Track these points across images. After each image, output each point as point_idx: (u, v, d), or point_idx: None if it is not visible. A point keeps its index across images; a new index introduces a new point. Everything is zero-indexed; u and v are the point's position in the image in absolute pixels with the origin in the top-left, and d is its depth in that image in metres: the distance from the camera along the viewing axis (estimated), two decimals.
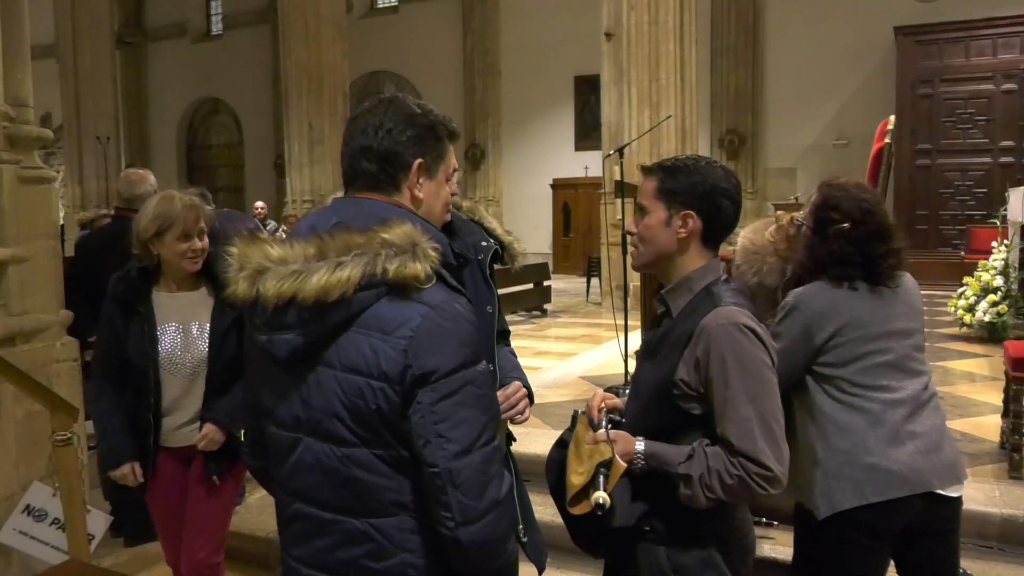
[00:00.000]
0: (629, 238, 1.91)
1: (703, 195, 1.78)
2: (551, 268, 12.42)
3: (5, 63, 3.61)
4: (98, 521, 3.01)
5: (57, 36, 14.62)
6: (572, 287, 13.41)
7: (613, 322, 5.37)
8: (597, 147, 13.06)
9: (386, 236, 1.35)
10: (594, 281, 12.01)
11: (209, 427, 2.66)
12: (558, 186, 17.56)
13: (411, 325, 1.34)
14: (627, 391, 1.98)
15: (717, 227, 1.81)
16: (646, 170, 1.90)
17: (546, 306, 10.59)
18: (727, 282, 1.83)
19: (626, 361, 4.91)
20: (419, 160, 1.49)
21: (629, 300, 5.29)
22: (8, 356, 3.14)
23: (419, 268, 1.35)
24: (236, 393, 2.60)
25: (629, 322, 5.07)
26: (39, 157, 3.85)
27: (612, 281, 10.25)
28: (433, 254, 1.37)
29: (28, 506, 2.92)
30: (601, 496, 1.65)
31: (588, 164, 16.20)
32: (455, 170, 1.61)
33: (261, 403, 1.56)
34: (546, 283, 10.67)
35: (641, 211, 1.85)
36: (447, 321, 1.36)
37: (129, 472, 2.64)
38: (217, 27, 21.12)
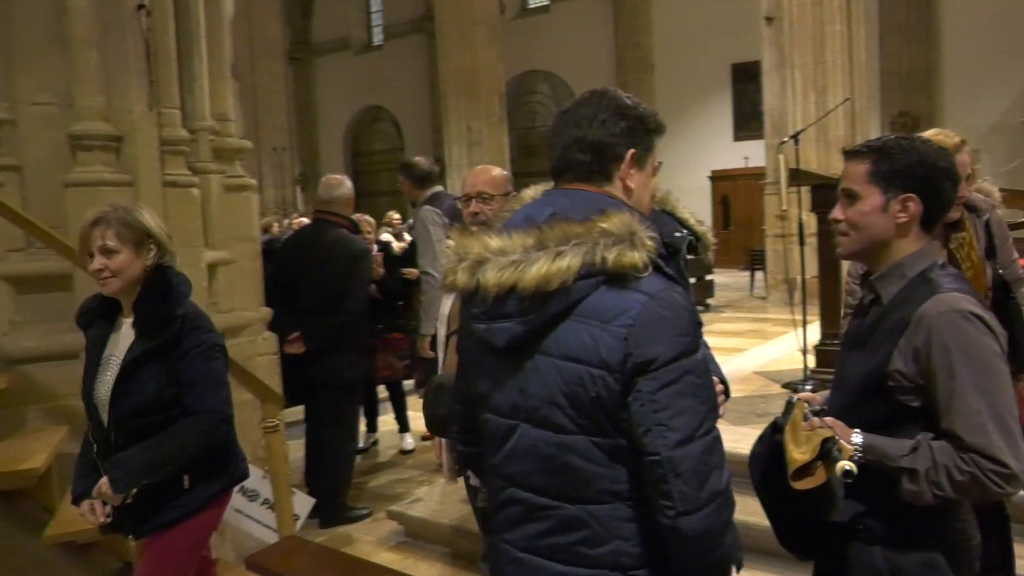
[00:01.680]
0: (835, 226, 1.83)
1: (923, 177, 1.69)
2: (712, 261, 12.14)
3: (211, 84, 3.94)
4: (303, 503, 3.23)
5: (238, 58, 15.77)
6: (734, 281, 13.05)
7: (780, 316, 5.18)
8: (757, 136, 12.63)
9: (605, 225, 1.37)
10: (758, 274, 11.62)
11: (103, 482, 2.22)
12: (717, 178, 17.13)
13: (631, 314, 1.35)
14: (807, 387, 1.92)
15: (937, 209, 1.72)
16: (851, 153, 1.81)
17: (709, 301, 10.36)
18: (943, 267, 1.73)
19: (805, 356, 4.73)
20: (631, 151, 1.50)
21: (800, 294, 5.10)
22: None
23: (637, 257, 1.36)
24: (150, 449, 2.21)
25: (803, 316, 4.88)
26: (239, 167, 4.19)
27: (778, 274, 9.91)
28: (650, 243, 1.38)
29: (242, 487, 3.17)
30: (847, 464, 1.58)
31: (748, 154, 15.70)
32: (660, 164, 1.61)
33: (475, 391, 1.61)
34: (708, 277, 10.44)
35: (850, 197, 1.77)
36: (666, 310, 1.37)
37: (87, 510, 2.31)
38: (378, 38, 22.08)
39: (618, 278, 1.37)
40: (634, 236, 1.37)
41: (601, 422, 1.40)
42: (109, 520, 2.27)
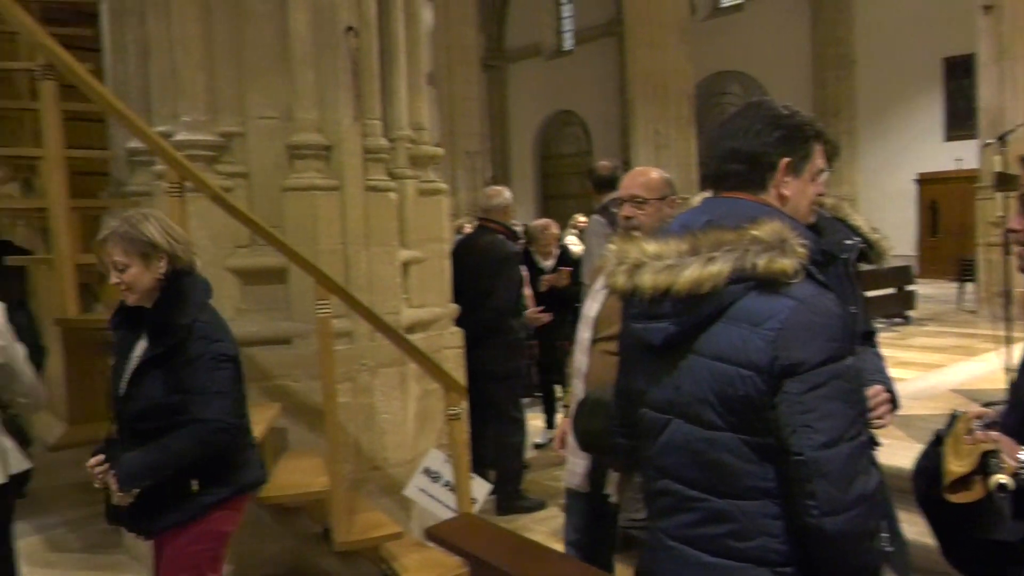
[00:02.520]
0: (1012, 236, 1.76)
1: None
2: (916, 271, 11.36)
3: (409, 96, 4.27)
4: (480, 487, 3.45)
5: (436, 67, 16.60)
6: (941, 293, 12.12)
7: (990, 333, 4.82)
8: (972, 136, 11.67)
9: (756, 233, 1.43)
10: (968, 286, 10.75)
11: (111, 478, 2.26)
12: (925, 181, 15.94)
13: (779, 318, 1.41)
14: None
15: None
16: None
17: (910, 313, 9.71)
18: None
19: (1007, 374, 4.39)
20: (786, 160, 1.56)
21: (1013, 308, 4.73)
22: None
23: (787, 263, 1.41)
24: (151, 453, 2.24)
25: (1013, 333, 4.53)
26: (431, 172, 4.50)
27: (992, 286, 9.13)
28: (801, 250, 1.43)
29: (427, 468, 3.44)
30: (1003, 478, 1.53)
31: (961, 155, 14.52)
32: (821, 170, 1.64)
33: (634, 386, 1.72)
34: (909, 288, 9.79)
35: None
36: (816, 315, 1.41)
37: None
38: (568, 44, 22.43)
39: (768, 283, 1.43)
40: (785, 243, 1.42)
41: (750, 421, 1.46)
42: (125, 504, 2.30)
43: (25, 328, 3.14)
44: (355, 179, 3.85)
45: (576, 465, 2.78)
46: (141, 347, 2.34)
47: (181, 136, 3.58)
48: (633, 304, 1.61)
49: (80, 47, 3.53)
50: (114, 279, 2.27)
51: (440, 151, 4.62)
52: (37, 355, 3.48)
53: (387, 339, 3.52)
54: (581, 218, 8.48)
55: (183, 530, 2.31)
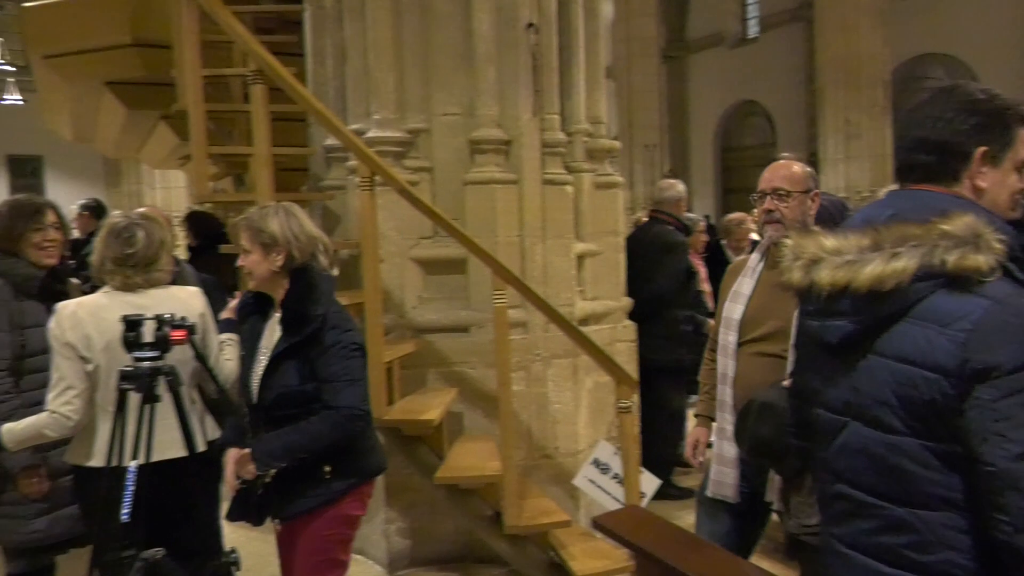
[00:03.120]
0: None
1: None
2: None
3: (587, 90, 4.31)
4: (649, 482, 3.44)
5: (614, 59, 16.54)
6: None
7: None
8: None
9: (946, 227, 1.35)
10: None
11: (244, 455, 2.31)
12: None
13: (971, 318, 1.32)
14: None
15: None
16: None
17: None
18: None
19: None
20: (982, 149, 1.45)
21: None
22: None
23: (982, 260, 1.32)
24: (288, 435, 2.31)
25: None
26: (608, 165, 4.52)
27: None
28: (998, 246, 1.33)
29: (596, 459, 3.47)
30: None
31: None
32: None
33: (808, 385, 1.66)
34: None
35: None
36: (1013, 316, 1.31)
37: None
38: (752, 31, 21.62)
39: (960, 281, 1.34)
40: (979, 238, 1.33)
41: (934, 426, 1.38)
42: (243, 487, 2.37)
43: None
44: (533, 173, 3.94)
45: (725, 475, 2.63)
46: (272, 336, 2.43)
47: (372, 133, 3.81)
48: (809, 301, 1.56)
49: (285, 53, 3.84)
50: (240, 261, 2.40)
51: (617, 144, 4.63)
52: None
53: (561, 330, 3.58)
54: None
55: (316, 515, 2.37)
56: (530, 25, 3.88)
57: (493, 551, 3.65)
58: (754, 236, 6.38)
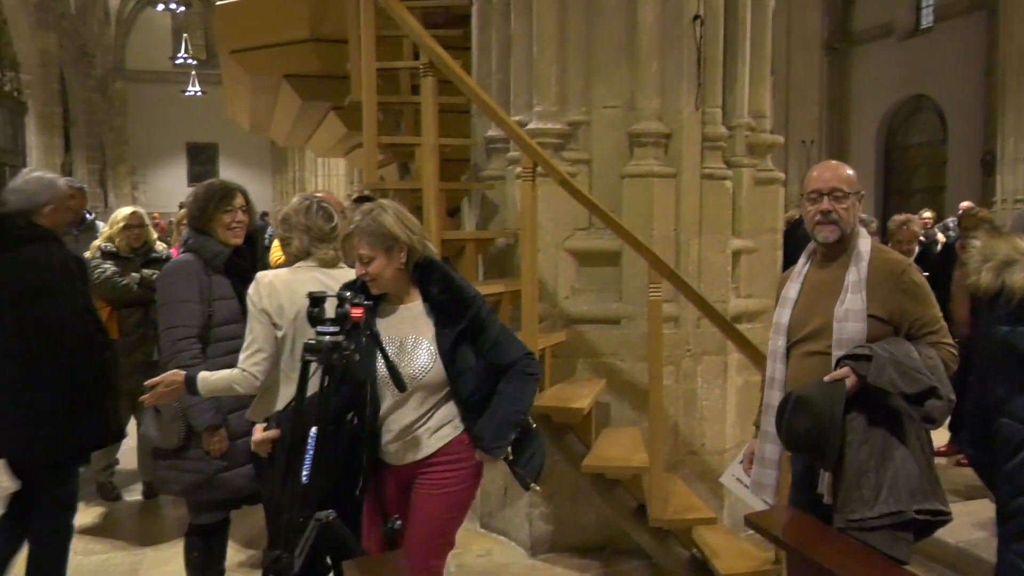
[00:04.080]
0: None
1: None
2: None
3: (751, 83, 4.22)
4: None
5: (774, 53, 15.98)
6: None
7: None
8: None
9: None
10: None
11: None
12: None
13: None
14: None
15: None
16: None
17: None
18: None
19: None
20: None
21: None
22: None
23: None
24: (498, 411, 2.42)
25: None
26: (769, 161, 4.40)
27: None
28: None
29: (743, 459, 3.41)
30: None
31: None
32: None
33: (993, 394, 1.59)
34: None
35: None
36: None
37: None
38: (927, 21, 20.29)
39: None
40: None
41: None
42: None
43: None
44: (692, 167, 3.91)
45: (765, 476, 2.62)
46: (394, 328, 2.45)
47: (533, 125, 3.89)
48: (998, 305, 1.49)
49: (451, 47, 3.97)
50: (359, 271, 2.40)
51: (779, 139, 4.51)
52: None
53: (714, 327, 3.54)
54: (926, 214, 7.78)
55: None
56: (696, 18, 3.84)
57: (634, 543, 3.66)
58: (922, 238, 6.04)
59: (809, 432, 2.25)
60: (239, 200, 3.03)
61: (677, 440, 3.96)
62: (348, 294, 2.22)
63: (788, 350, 2.52)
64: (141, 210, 4.66)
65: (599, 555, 3.92)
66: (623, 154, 3.91)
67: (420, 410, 2.42)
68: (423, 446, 2.44)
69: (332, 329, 2.19)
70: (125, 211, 4.57)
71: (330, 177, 17.09)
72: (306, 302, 2.24)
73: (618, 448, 3.68)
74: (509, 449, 2.45)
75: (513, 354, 2.47)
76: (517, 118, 3.89)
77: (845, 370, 2.26)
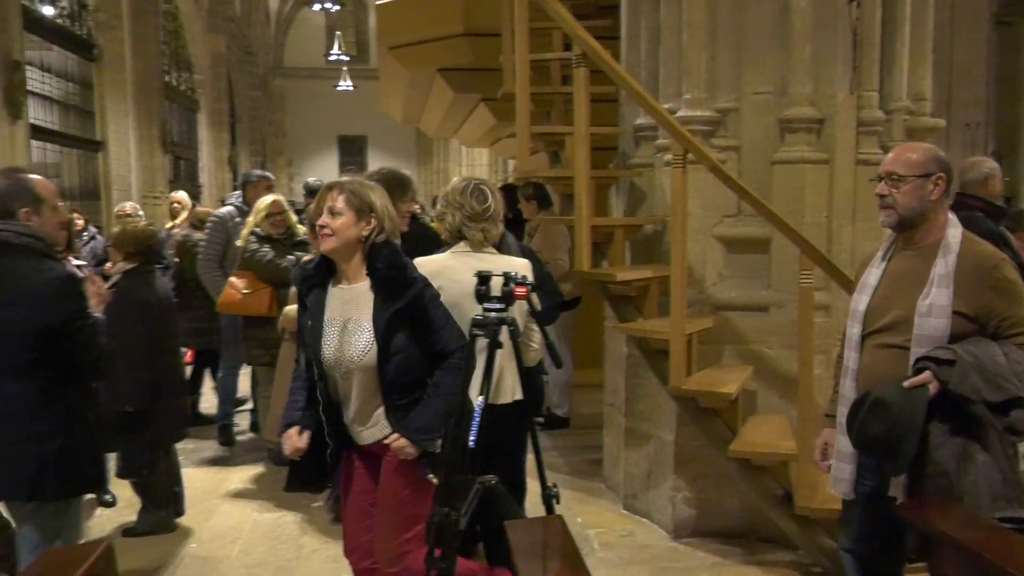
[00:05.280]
0: None
1: None
2: None
3: (910, 64, 4.08)
4: None
5: (936, 30, 15.05)
6: None
7: None
8: None
9: None
10: None
11: (402, 442, 2.43)
12: None
13: None
14: None
15: None
16: None
17: None
18: None
19: None
20: None
21: None
22: None
23: None
24: (431, 404, 2.42)
25: None
26: None
27: None
28: None
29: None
30: None
31: None
32: None
33: None
34: None
35: None
36: None
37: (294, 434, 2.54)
38: None
39: None
40: None
41: None
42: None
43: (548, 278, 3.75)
44: (845, 153, 3.84)
45: (842, 470, 2.50)
46: (338, 307, 2.48)
47: (682, 112, 3.93)
48: None
49: (600, 36, 4.05)
50: (323, 221, 2.41)
51: (940, 123, 4.34)
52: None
53: None
54: None
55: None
56: (851, 0, 3.76)
57: (779, 531, 3.66)
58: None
59: (884, 437, 2.18)
60: (411, 191, 3.27)
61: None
62: (513, 273, 2.38)
63: (863, 339, 2.43)
64: (281, 198, 5.02)
65: (742, 541, 3.94)
66: (773, 140, 3.88)
67: (366, 392, 2.46)
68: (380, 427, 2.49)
69: (498, 306, 2.36)
70: (267, 200, 4.92)
71: (473, 167, 17.53)
72: (459, 287, 2.42)
73: (765, 435, 3.69)
74: (439, 442, 2.44)
75: (452, 343, 2.46)
76: (666, 106, 3.94)
77: (927, 375, 2.17)
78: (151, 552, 3.82)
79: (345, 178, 2.51)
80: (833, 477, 2.59)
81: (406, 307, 2.40)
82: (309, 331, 2.50)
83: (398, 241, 2.51)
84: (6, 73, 8.86)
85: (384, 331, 2.38)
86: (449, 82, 6.00)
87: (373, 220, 2.42)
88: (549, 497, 2.52)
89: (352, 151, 27.71)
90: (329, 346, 2.46)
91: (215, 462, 5.23)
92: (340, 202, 2.40)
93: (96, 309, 2.62)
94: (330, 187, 2.45)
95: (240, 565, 3.74)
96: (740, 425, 3.72)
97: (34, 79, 10.09)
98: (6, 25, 8.89)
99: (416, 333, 2.42)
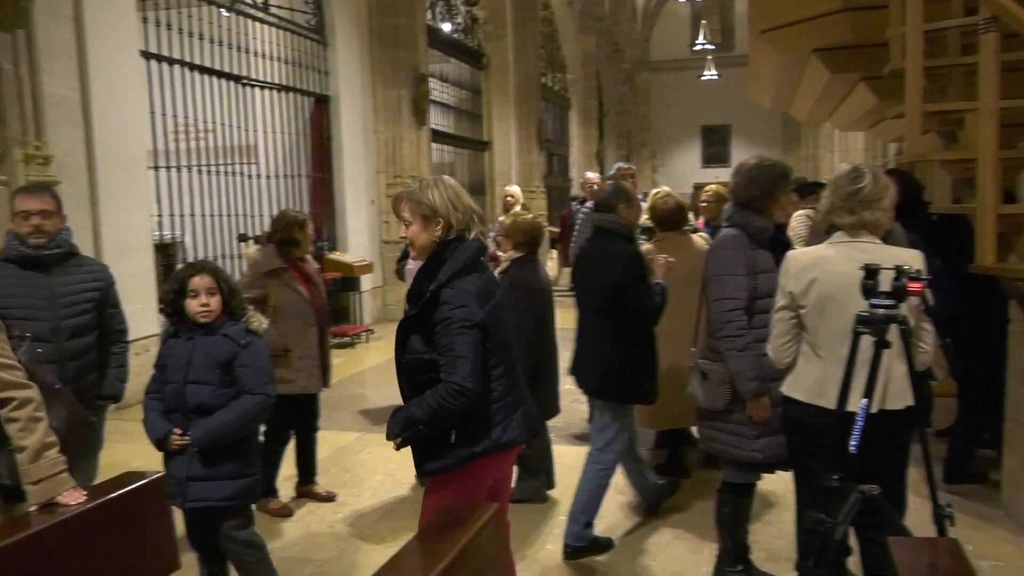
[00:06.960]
0: None
1: None
2: None
3: None
4: None
5: None
6: None
7: None
8: None
9: None
10: None
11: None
12: None
13: None
14: None
15: None
16: None
17: None
18: None
19: None
20: None
21: None
22: None
23: None
24: (408, 408, 2.45)
25: None
26: None
27: None
28: None
29: None
30: None
31: None
32: None
33: None
34: None
35: None
36: None
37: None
38: None
39: None
40: None
41: None
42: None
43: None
44: None
45: None
46: None
47: None
48: None
49: None
50: (402, 232, 2.53)
51: None
52: None
53: None
54: None
55: (444, 475, 2.49)
56: None
57: None
58: None
59: None
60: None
61: None
62: (907, 267, 2.17)
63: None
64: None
65: None
66: None
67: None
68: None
69: (887, 302, 2.16)
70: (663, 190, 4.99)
71: (847, 152, 16.29)
72: (836, 280, 2.24)
73: None
74: (397, 441, 2.45)
75: (448, 375, 2.34)
76: None
77: None
78: (527, 518, 4.14)
79: (414, 185, 2.59)
80: None
81: (418, 316, 2.44)
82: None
83: (472, 235, 2.50)
84: (414, 85, 10.20)
85: (402, 332, 2.50)
86: (825, 62, 5.62)
87: (440, 221, 2.47)
88: (942, 517, 2.26)
89: (715, 141, 27.41)
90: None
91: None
92: (407, 212, 2.51)
93: (660, 278, 3.61)
94: (398, 198, 2.58)
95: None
96: None
97: (434, 88, 11.43)
98: (415, 43, 10.23)
99: (428, 346, 2.43)
